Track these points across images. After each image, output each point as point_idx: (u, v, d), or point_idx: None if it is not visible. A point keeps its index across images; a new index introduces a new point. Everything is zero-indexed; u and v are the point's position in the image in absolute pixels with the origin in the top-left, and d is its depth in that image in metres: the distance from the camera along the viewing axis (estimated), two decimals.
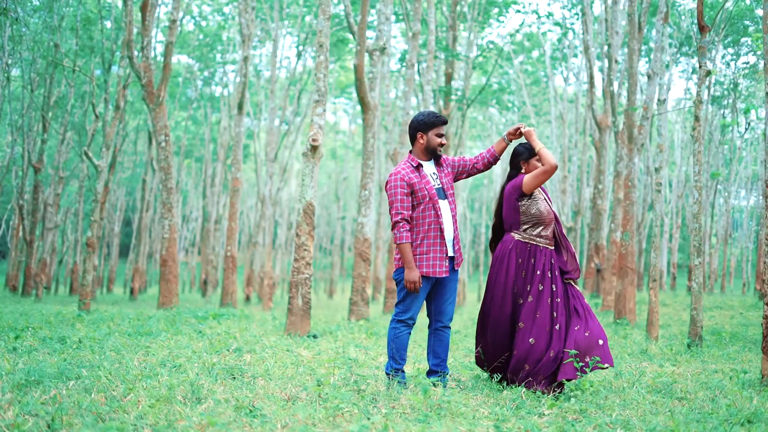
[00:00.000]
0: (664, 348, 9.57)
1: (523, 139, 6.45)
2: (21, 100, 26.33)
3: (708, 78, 10.14)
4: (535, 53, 36.57)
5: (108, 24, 23.17)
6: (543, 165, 6.12)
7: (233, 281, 19.53)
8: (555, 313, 6.09)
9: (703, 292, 10.80)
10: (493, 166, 6.49)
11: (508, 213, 6.25)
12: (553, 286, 6.14)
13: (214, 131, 37.75)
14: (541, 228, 6.24)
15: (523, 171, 6.31)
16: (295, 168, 46.84)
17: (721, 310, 18.07)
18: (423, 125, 6.03)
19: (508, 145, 6.30)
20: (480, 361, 6.43)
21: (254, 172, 45.28)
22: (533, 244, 6.19)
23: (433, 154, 6.07)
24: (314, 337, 10.23)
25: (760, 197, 31.63)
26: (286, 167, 32.18)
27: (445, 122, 6.06)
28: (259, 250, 31.35)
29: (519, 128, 6.25)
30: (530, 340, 6.00)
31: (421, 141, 6.05)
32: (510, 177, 6.39)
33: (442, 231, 5.92)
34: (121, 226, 42.56)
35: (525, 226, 6.22)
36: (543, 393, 5.79)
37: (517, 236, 6.20)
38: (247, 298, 28.25)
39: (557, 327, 6.05)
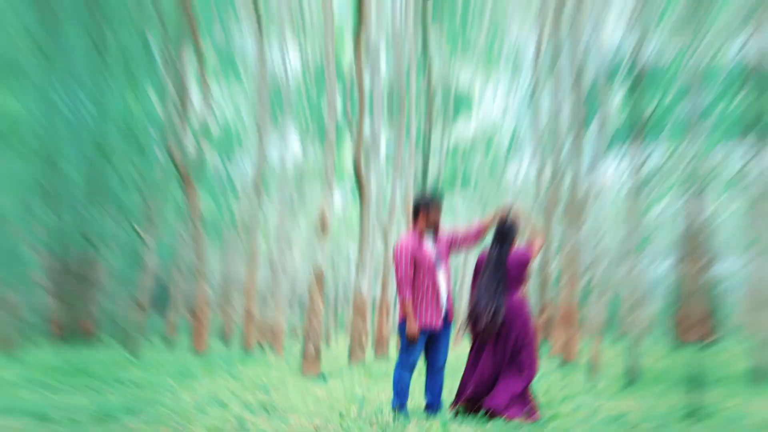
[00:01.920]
0: (608, 386, 9.58)
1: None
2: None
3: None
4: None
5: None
6: (539, 240, 6.21)
7: (251, 331, 19.67)
8: None
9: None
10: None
11: (522, 279, 6.17)
12: None
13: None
14: None
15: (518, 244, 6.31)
16: (297, 241, 46.77)
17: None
18: (423, 204, 6.15)
19: (494, 222, 6.27)
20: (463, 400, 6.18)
21: (265, 243, 45.13)
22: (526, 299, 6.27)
23: (431, 228, 6.17)
24: (324, 377, 10.17)
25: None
26: (291, 241, 32.31)
27: (441, 201, 6.15)
28: (270, 306, 31.28)
29: (507, 208, 6.28)
30: None
31: (422, 217, 6.15)
32: (507, 251, 6.18)
33: (437, 293, 5.99)
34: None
35: (524, 287, 6.27)
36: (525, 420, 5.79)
37: (522, 295, 6.25)
38: (260, 345, 27.91)
39: None
